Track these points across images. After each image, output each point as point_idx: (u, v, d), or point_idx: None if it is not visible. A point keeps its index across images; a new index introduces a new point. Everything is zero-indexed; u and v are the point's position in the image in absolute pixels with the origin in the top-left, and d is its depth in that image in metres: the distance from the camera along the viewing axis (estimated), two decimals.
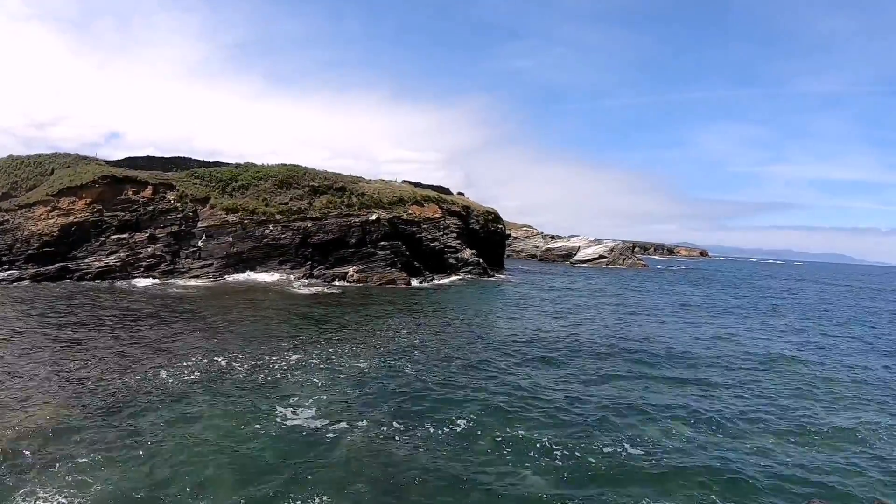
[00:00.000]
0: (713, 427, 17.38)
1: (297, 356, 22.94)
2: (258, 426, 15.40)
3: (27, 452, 13.15)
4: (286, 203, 54.73)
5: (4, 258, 49.50)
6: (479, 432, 15.69)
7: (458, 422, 16.29)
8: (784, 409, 19.68)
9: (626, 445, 15.31)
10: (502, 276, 67.49)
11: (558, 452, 14.54)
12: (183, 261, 49.93)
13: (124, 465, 12.78)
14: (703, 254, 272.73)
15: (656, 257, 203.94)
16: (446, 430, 15.73)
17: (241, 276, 49.70)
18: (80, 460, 12.83)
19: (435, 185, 74.33)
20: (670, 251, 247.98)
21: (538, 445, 14.95)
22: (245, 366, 21.27)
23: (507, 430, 15.96)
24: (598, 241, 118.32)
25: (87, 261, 47.81)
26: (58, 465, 12.58)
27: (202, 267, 49.85)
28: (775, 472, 14.22)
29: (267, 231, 52.05)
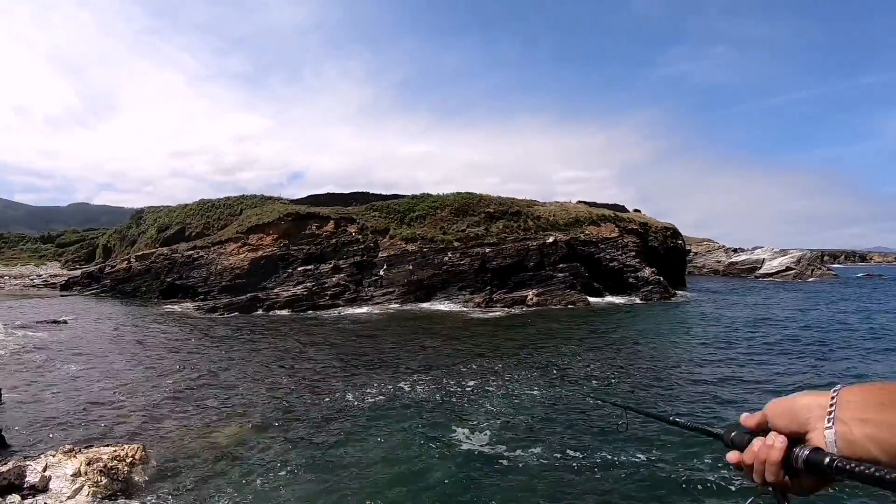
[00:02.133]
0: None
1: (473, 382, 22.99)
2: (432, 446, 15.73)
3: (221, 467, 14.33)
4: (463, 230, 55.57)
5: (200, 289, 53.55)
6: (660, 464, 14.95)
7: (638, 455, 15.60)
8: None
9: None
10: (685, 295, 65.19)
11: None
12: (366, 289, 51.63)
13: (303, 483, 13.46)
14: None
15: (847, 266, 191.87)
16: (623, 458, 15.09)
17: (422, 303, 50.59)
18: (265, 477, 13.70)
19: (610, 203, 73.29)
20: (862, 258, 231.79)
21: (717, 479, 14.07)
22: (424, 390, 21.67)
23: (688, 461, 15.15)
24: (783, 252, 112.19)
25: (275, 291, 50.34)
26: (248, 479, 13.56)
27: (384, 294, 51.31)
28: None
29: (445, 258, 52.88)
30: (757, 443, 1.52)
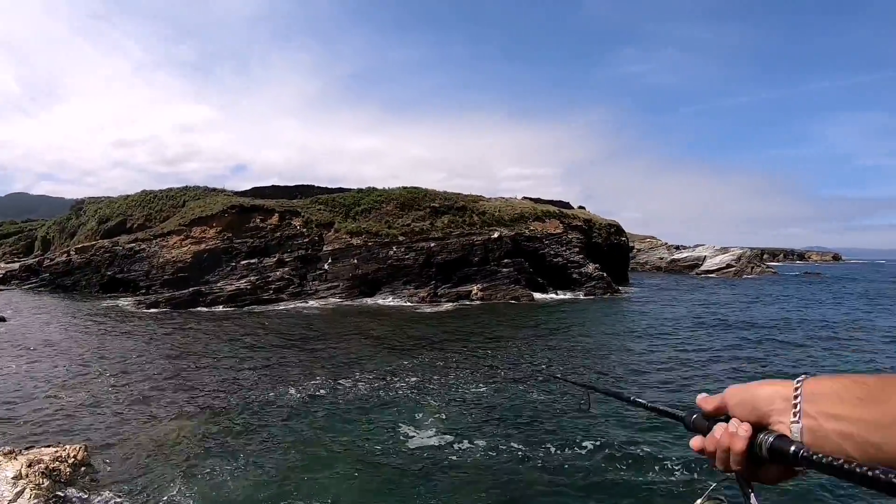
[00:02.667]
0: None
1: (418, 377, 23.12)
2: (379, 442, 15.82)
3: (165, 462, 14.35)
4: (408, 225, 55.62)
5: (142, 283, 52.79)
6: (605, 454, 15.22)
7: (585, 443, 15.86)
8: None
9: None
10: (628, 291, 66.16)
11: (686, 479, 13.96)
12: (310, 283, 51.41)
13: (250, 477, 13.54)
14: (835, 258, 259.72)
15: (786, 264, 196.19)
16: (569, 451, 15.38)
17: (367, 298, 50.51)
18: (211, 470, 13.79)
19: (555, 200, 73.84)
20: (801, 256, 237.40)
21: (668, 465, 14.41)
22: (368, 385, 21.75)
23: (633, 450, 15.45)
24: (724, 250, 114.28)
25: (218, 285, 49.86)
26: (193, 472, 13.63)
27: (328, 289, 51.17)
28: None
29: (391, 252, 52.89)
30: (718, 429, 1.47)
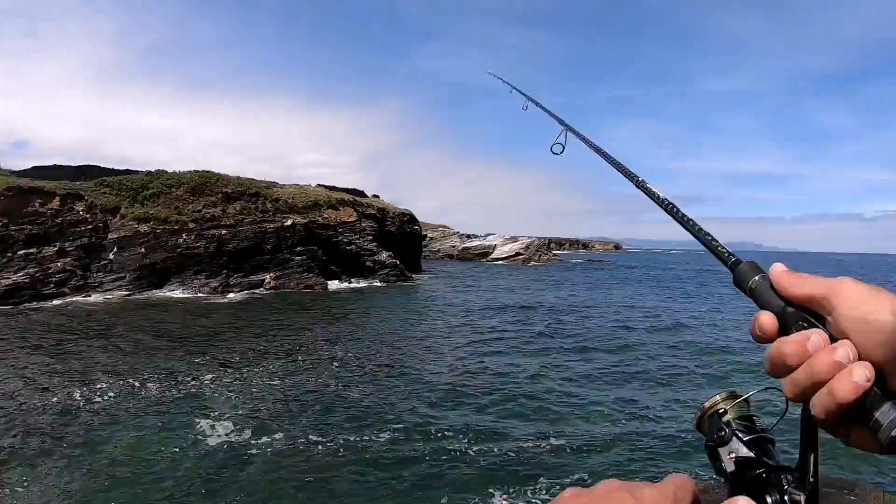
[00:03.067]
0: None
1: (213, 373, 22.77)
2: (174, 444, 15.46)
3: None
4: (199, 211, 53.98)
5: None
6: (399, 438, 16.16)
7: (382, 432, 16.69)
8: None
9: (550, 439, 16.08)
10: (419, 278, 68.12)
11: (475, 449, 15.21)
12: (94, 275, 48.66)
13: (33, 490, 12.88)
14: (616, 247, 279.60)
15: (571, 252, 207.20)
16: (367, 438, 16.12)
17: (156, 290, 48.78)
18: None
19: (350, 188, 74.40)
20: (585, 245, 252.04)
21: (459, 443, 15.58)
22: (159, 385, 21.04)
23: (427, 435, 16.48)
24: (514, 239, 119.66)
25: None
26: None
27: (114, 280, 48.73)
28: None
29: (180, 240, 51.01)
30: (816, 339, 0.92)
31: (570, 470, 14.35)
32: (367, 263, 61.84)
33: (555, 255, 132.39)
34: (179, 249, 50.73)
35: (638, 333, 33.45)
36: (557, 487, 13.25)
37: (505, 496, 13.04)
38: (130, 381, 21.56)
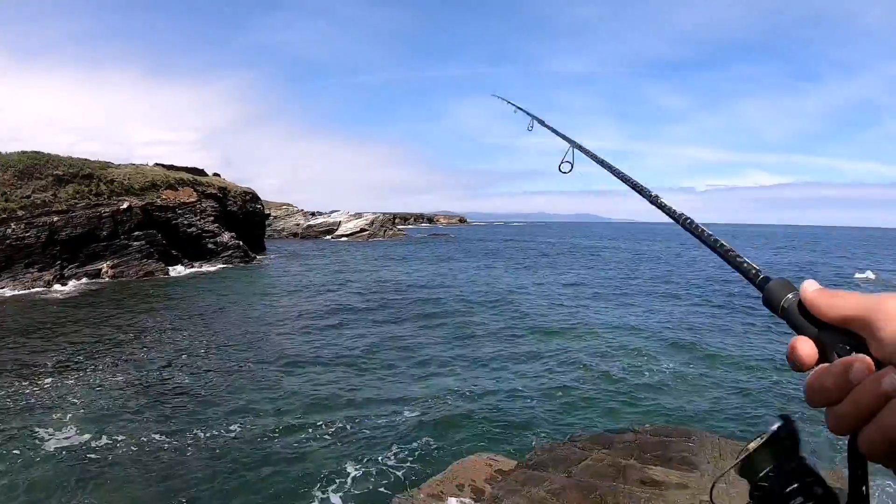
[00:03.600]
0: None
1: (52, 377, 21.58)
2: (16, 452, 14.97)
3: None
4: (28, 196, 51.13)
5: None
6: (251, 427, 16.65)
7: (230, 423, 17.08)
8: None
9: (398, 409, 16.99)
10: (264, 258, 67.88)
11: (322, 422, 16.02)
12: None
13: None
14: (461, 220, 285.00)
15: (416, 227, 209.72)
16: (214, 432, 16.43)
17: None
18: None
19: (190, 167, 72.80)
20: (430, 220, 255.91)
21: (311, 430, 16.31)
22: None
23: (280, 422, 17.08)
24: (358, 216, 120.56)
25: None
26: None
27: None
28: None
29: (9, 230, 46.11)
30: (859, 365, 0.82)
31: (418, 435, 15.46)
32: (209, 246, 60.99)
33: (399, 230, 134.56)
34: (8, 241, 46.03)
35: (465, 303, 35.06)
36: (409, 455, 14.35)
37: (358, 465, 13.96)
38: None
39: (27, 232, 47.28)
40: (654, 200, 1.59)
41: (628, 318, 33.24)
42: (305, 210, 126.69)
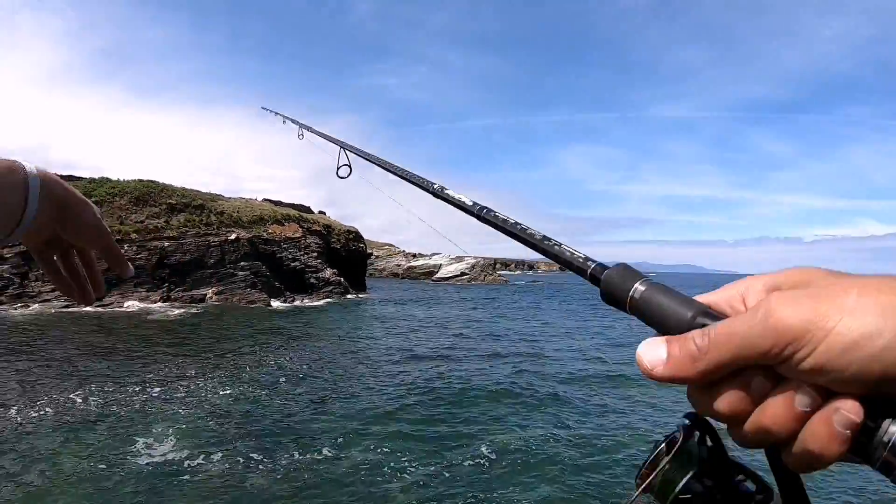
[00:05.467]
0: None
1: (148, 391, 22.12)
2: (115, 462, 15.09)
3: None
4: (142, 221, 53.37)
5: None
6: (342, 456, 16.29)
7: (323, 449, 16.77)
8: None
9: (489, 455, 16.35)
10: (363, 296, 68.21)
11: (416, 469, 15.45)
12: (32, 283, 47.82)
13: None
14: (562, 269, 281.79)
15: (517, 272, 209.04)
16: (308, 457, 16.17)
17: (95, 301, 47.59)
18: None
19: (296, 203, 74.31)
20: (531, 267, 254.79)
21: (399, 464, 15.78)
22: (103, 400, 20.60)
23: (370, 453, 16.65)
24: (459, 259, 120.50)
25: None
26: None
27: (52, 290, 47.70)
28: None
29: (122, 251, 50.09)
30: (757, 383, 0.67)
31: (510, 490, 14.72)
32: (311, 280, 61.71)
33: (500, 275, 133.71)
34: None
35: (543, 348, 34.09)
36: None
37: None
38: (73, 395, 21.07)
39: (139, 254, 49.77)
40: (439, 193, 1.49)
41: None
42: (407, 251, 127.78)
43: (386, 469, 15.57)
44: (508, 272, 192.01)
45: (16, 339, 32.17)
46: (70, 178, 59.87)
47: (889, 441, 0.61)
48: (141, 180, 60.11)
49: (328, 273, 63.20)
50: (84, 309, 44.99)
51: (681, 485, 0.77)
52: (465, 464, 16.29)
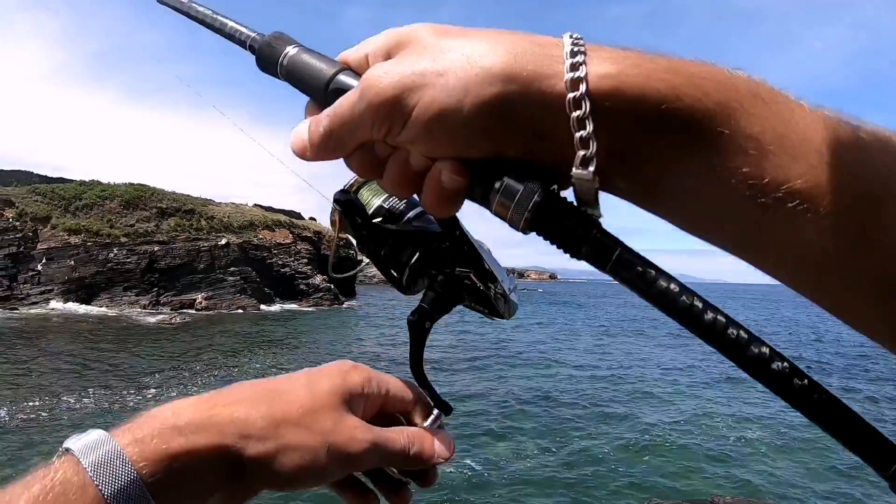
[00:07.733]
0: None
1: (153, 391, 22.38)
2: None
3: None
4: (132, 225, 53.17)
5: None
6: None
7: None
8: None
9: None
10: (352, 303, 68.14)
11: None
12: (21, 286, 47.52)
13: None
14: (552, 277, 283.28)
15: None
16: None
17: (85, 304, 47.55)
18: None
19: (287, 209, 74.29)
20: (521, 275, 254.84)
21: None
22: (96, 404, 20.63)
23: None
24: None
25: None
26: None
27: (42, 293, 47.60)
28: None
29: (111, 255, 49.90)
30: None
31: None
32: (301, 286, 61.60)
33: None
34: (110, 264, 49.69)
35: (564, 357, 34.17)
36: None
37: None
38: (65, 398, 21.10)
39: (128, 258, 49.94)
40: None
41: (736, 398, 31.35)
42: None
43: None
44: None
45: (5, 342, 32.03)
46: (61, 180, 59.83)
47: (499, 188, 0.65)
48: (132, 184, 59.99)
49: (318, 279, 63.08)
50: (73, 311, 44.99)
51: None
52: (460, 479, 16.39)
